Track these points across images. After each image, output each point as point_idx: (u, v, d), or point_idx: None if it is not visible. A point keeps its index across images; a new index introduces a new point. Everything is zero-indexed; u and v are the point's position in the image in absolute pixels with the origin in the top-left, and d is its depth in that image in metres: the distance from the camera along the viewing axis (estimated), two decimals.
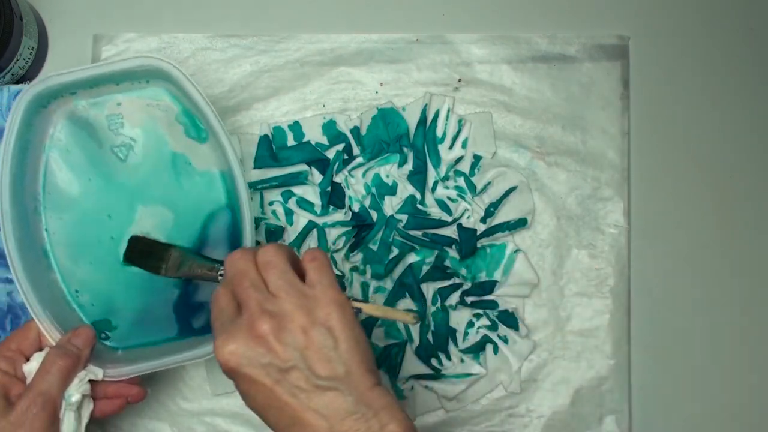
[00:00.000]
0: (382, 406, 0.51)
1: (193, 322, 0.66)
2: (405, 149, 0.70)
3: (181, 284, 0.66)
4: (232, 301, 0.54)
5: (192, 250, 0.65)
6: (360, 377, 0.51)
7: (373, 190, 0.70)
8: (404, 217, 0.70)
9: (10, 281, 0.68)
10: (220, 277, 0.60)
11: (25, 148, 0.63)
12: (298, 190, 0.70)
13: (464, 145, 0.71)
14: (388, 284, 0.70)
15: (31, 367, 0.59)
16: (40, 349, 0.61)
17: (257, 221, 0.70)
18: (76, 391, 0.59)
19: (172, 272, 0.63)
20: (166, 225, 0.66)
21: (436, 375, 0.70)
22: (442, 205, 0.70)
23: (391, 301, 0.70)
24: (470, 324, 0.70)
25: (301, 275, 0.54)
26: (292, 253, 0.55)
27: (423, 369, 0.70)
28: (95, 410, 0.60)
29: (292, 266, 0.54)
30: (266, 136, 0.70)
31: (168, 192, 0.66)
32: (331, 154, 0.70)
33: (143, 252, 0.65)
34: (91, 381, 0.60)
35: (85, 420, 0.59)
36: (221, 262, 0.60)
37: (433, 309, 0.70)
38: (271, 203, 0.70)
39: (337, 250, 0.70)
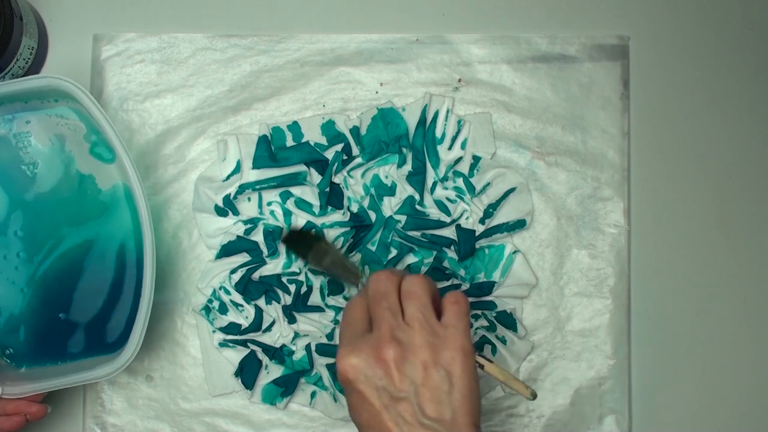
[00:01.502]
0: None
1: (88, 346, 0.67)
2: (404, 150, 0.70)
3: (84, 305, 0.66)
4: (365, 314, 0.56)
5: (339, 249, 0.68)
6: (463, 428, 0.52)
7: (372, 190, 0.70)
8: (403, 218, 0.70)
9: None
10: (360, 285, 0.63)
11: None
12: (296, 191, 0.70)
13: (463, 146, 0.71)
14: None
15: None
16: None
17: (255, 221, 0.70)
18: None
19: (315, 262, 0.65)
20: (72, 243, 0.66)
21: None
22: (441, 205, 0.70)
23: None
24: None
25: (438, 312, 0.56)
26: (434, 288, 0.57)
27: None
28: None
29: (432, 301, 0.55)
30: (265, 136, 0.70)
31: (74, 211, 0.67)
32: (330, 154, 0.70)
33: (297, 240, 0.67)
34: None
35: None
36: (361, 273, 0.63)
37: None
38: (269, 203, 0.70)
39: None
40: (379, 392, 0.52)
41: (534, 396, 0.57)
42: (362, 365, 0.53)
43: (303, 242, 0.67)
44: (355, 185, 0.70)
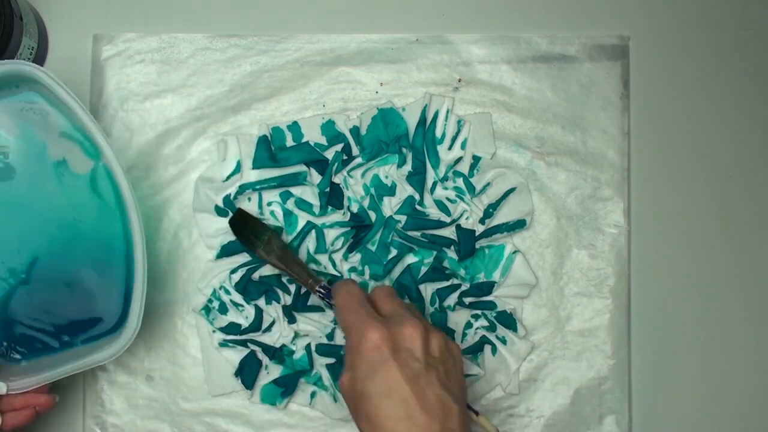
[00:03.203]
0: None
1: (87, 332, 0.65)
2: (404, 150, 0.70)
3: (76, 292, 0.64)
4: (363, 299, 0.61)
5: (293, 249, 0.69)
6: (462, 406, 0.57)
7: (372, 190, 0.70)
8: (403, 218, 0.70)
9: None
10: (318, 291, 0.65)
11: None
12: (296, 191, 0.70)
13: (463, 146, 0.71)
14: (387, 285, 0.70)
15: None
16: None
17: None
18: None
19: (263, 254, 0.67)
20: (56, 231, 0.64)
21: None
22: (441, 205, 0.70)
23: None
24: (468, 325, 0.70)
25: None
26: None
27: None
28: (3, 423, 0.60)
29: None
30: (265, 136, 0.70)
31: (52, 200, 0.64)
32: (330, 154, 0.70)
33: (243, 223, 0.68)
34: None
35: None
36: (321, 279, 0.66)
37: (431, 310, 0.70)
38: (269, 204, 0.70)
39: (335, 251, 0.70)
40: (407, 363, 0.56)
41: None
42: (392, 335, 0.56)
43: (249, 227, 0.68)
44: (355, 185, 0.70)
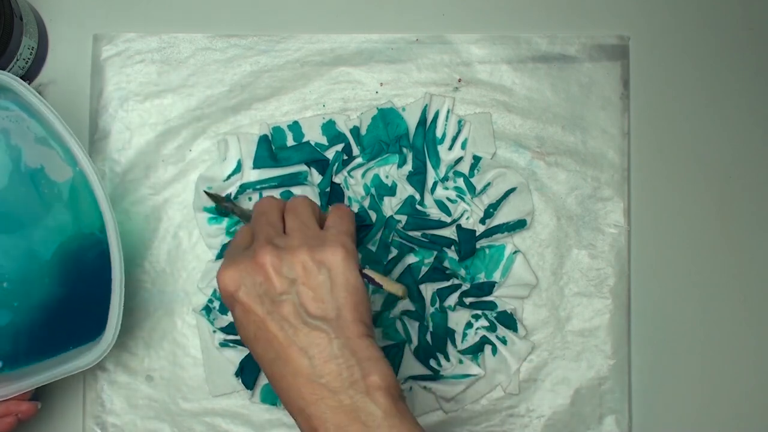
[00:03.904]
0: (368, 356, 0.51)
1: (69, 338, 0.64)
2: (404, 150, 0.70)
3: (58, 300, 0.64)
4: (249, 238, 0.56)
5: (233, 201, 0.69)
6: (350, 324, 0.52)
7: (373, 190, 0.70)
8: (403, 218, 0.70)
9: None
10: None
11: None
12: (297, 191, 0.70)
13: (464, 146, 0.71)
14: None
15: None
16: None
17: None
18: None
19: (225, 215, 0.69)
20: (35, 241, 0.63)
21: (435, 376, 0.70)
22: (442, 205, 0.70)
23: (389, 303, 0.70)
24: (469, 325, 0.70)
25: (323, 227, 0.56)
26: (318, 209, 0.58)
27: (421, 370, 0.70)
28: None
29: (316, 218, 0.56)
30: (265, 136, 0.70)
31: (32, 209, 0.63)
32: (330, 154, 0.70)
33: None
34: None
35: None
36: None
37: (431, 310, 0.70)
38: None
39: None
40: (261, 299, 0.52)
41: (405, 293, 0.57)
42: (241, 275, 0.52)
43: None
44: (355, 185, 0.70)
